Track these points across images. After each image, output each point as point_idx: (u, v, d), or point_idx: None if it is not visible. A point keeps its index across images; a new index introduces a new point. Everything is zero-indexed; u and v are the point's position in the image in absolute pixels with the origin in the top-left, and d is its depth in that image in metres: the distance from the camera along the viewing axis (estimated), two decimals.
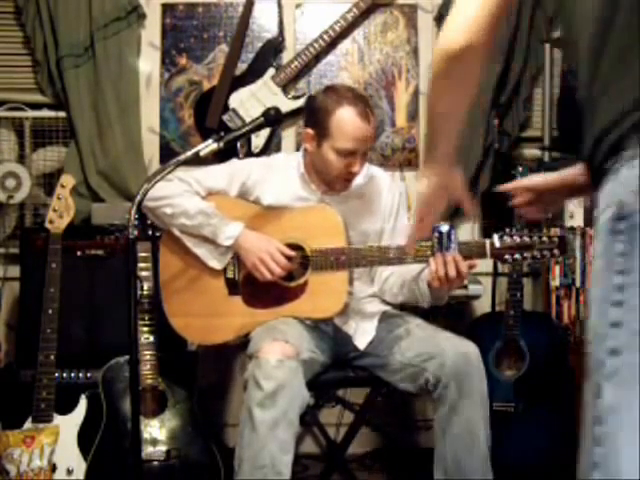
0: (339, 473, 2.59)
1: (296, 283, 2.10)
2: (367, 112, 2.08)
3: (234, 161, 2.32)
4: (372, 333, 2.13)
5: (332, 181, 2.15)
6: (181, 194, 2.14)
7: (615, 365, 0.92)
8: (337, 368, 2.17)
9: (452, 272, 1.88)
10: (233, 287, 2.16)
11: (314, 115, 2.13)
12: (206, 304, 2.16)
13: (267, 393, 1.82)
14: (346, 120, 2.05)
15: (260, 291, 2.12)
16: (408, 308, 2.42)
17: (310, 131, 2.13)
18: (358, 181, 2.20)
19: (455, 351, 1.95)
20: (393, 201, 2.25)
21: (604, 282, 0.95)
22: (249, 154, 2.89)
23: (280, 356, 1.87)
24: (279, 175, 2.21)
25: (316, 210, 2.15)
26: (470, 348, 1.97)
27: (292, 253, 2.08)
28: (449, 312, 2.97)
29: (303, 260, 2.10)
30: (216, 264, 2.14)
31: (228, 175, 2.20)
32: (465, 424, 1.88)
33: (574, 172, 1.37)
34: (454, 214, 2.95)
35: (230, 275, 2.16)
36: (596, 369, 0.95)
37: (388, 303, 2.25)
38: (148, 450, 2.15)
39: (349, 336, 2.14)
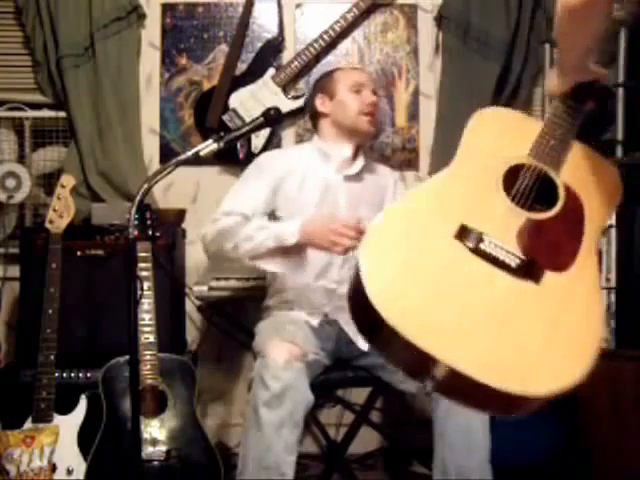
0: (339, 473, 2.59)
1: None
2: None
3: (251, 168, 2.27)
4: None
5: (357, 125, 2.22)
6: (233, 226, 2.09)
7: None
8: (338, 368, 2.17)
9: None
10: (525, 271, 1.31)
11: (317, 87, 2.33)
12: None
13: (274, 393, 1.82)
14: (344, 70, 2.35)
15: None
16: None
17: (320, 96, 2.28)
18: (365, 163, 2.28)
19: None
20: (395, 187, 2.38)
21: None
22: (249, 154, 2.89)
23: (287, 357, 1.87)
24: (296, 160, 2.26)
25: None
26: None
27: (354, 222, 1.91)
28: None
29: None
30: (298, 273, 2.07)
31: (262, 184, 2.19)
32: (464, 425, 1.88)
33: None
34: None
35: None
36: None
37: None
38: (148, 450, 2.15)
39: (350, 338, 2.14)
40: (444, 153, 2.97)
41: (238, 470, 1.90)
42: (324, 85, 2.30)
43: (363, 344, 2.12)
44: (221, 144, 1.76)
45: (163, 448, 2.18)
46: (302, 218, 2.03)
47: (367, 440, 2.91)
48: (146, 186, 1.65)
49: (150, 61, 3.05)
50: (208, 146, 1.75)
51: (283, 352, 1.88)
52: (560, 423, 2.40)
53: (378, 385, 2.27)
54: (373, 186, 2.28)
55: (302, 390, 1.88)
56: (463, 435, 1.87)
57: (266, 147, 2.94)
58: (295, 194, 2.18)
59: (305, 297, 2.16)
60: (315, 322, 2.13)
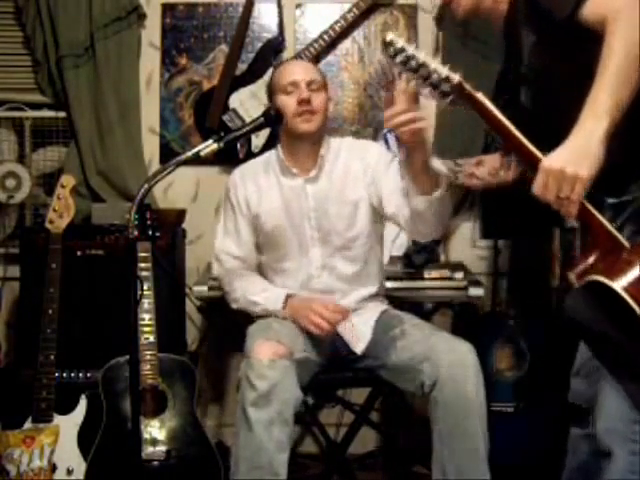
0: (339, 473, 2.59)
1: None
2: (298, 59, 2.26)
3: (225, 211, 2.27)
4: (368, 337, 2.11)
5: (295, 128, 2.10)
6: (234, 290, 2.20)
7: None
8: (337, 368, 2.16)
9: None
10: None
11: (268, 98, 2.22)
12: None
13: (261, 393, 1.83)
14: (278, 71, 2.20)
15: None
16: (407, 308, 2.42)
17: (271, 105, 2.14)
18: (329, 159, 2.18)
19: (450, 352, 1.93)
20: (369, 158, 2.18)
21: None
22: (249, 154, 2.89)
23: (272, 356, 1.88)
24: (259, 176, 2.21)
25: None
26: (466, 349, 1.95)
27: (332, 305, 2.05)
28: (449, 312, 2.98)
29: None
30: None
31: (240, 221, 2.20)
32: (462, 425, 1.87)
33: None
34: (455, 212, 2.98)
35: None
36: None
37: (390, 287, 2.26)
38: (148, 450, 2.15)
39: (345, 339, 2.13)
40: (444, 153, 2.97)
41: (231, 470, 1.90)
42: (269, 95, 2.20)
43: (358, 348, 2.10)
44: (221, 144, 1.76)
45: (163, 448, 2.18)
46: (288, 288, 2.13)
47: (367, 440, 2.91)
48: (146, 186, 1.65)
49: (150, 61, 3.05)
50: (208, 146, 1.75)
51: (267, 351, 1.89)
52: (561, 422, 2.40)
53: (378, 385, 2.27)
54: (342, 179, 2.17)
55: (289, 388, 1.88)
56: (461, 435, 1.87)
57: (266, 147, 2.94)
58: (262, 209, 2.17)
59: None
60: None
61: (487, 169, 1.95)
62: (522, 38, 1.64)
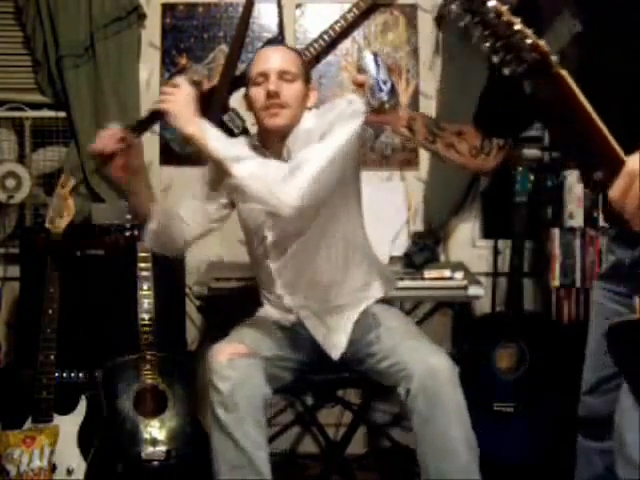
0: (339, 473, 2.59)
1: None
2: (278, 45, 2.15)
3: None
4: (344, 344, 2.04)
5: (262, 123, 1.98)
6: None
7: None
8: (336, 369, 2.15)
9: None
10: None
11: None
12: None
13: (226, 394, 1.83)
14: (254, 59, 2.02)
15: None
16: (408, 308, 2.42)
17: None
18: (298, 142, 2.00)
19: (421, 364, 1.86)
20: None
21: None
22: None
23: (230, 356, 1.88)
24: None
25: None
26: (437, 360, 1.87)
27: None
28: (449, 312, 2.98)
29: None
30: None
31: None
32: (440, 432, 1.82)
33: None
34: (455, 212, 2.98)
35: None
36: None
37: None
38: (148, 450, 2.15)
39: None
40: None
41: (214, 471, 1.88)
42: (247, 86, 2.04)
43: (334, 354, 2.04)
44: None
45: (163, 448, 2.18)
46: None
47: (367, 440, 2.91)
48: None
49: (150, 61, 3.05)
50: None
51: (225, 352, 1.89)
52: (561, 422, 2.41)
53: (373, 386, 2.26)
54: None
55: (254, 385, 1.87)
56: (440, 442, 1.82)
57: None
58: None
59: (272, 298, 2.12)
60: (286, 322, 2.09)
61: (468, 146, 1.83)
62: (553, 22, 1.45)
